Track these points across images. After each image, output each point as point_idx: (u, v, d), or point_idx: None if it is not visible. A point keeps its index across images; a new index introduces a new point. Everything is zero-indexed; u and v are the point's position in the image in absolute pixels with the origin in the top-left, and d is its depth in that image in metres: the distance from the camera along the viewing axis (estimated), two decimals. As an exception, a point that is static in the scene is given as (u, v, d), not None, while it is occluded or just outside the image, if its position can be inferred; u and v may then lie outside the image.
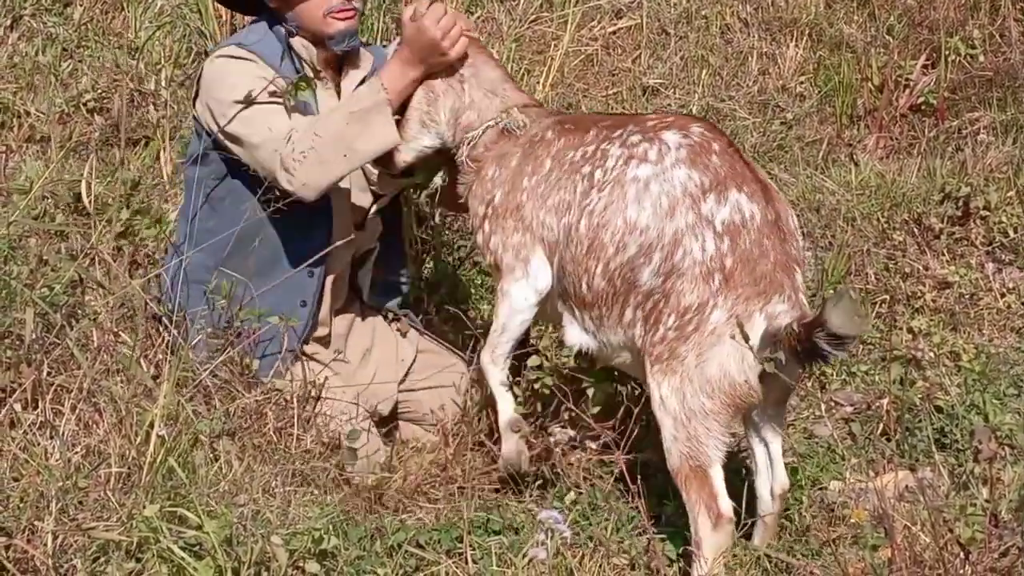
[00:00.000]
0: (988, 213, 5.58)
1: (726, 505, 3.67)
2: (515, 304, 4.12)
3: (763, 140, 6.62)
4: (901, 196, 5.72)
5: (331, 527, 3.52)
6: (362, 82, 4.43)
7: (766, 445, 3.86)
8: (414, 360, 4.66)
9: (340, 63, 4.50)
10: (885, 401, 4.70)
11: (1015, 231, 5.52)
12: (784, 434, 3.98)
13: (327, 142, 4.10)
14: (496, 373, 4.14)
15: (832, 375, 5.13)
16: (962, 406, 4.57)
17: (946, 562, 2.61)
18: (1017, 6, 7.06)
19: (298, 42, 4.39)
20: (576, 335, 4.02)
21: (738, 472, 3.95)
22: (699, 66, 7.06)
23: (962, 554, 2.54)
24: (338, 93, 4.47)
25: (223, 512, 3.21)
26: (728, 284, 3.67)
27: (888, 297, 5.41)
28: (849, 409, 4.87)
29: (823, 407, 4.87)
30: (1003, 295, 5.44)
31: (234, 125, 4.21)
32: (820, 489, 4.24)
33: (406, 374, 4.63)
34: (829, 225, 5.69)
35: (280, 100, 4.21)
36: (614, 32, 7.19)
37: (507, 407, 4.14)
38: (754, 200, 3.76)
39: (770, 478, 3.86)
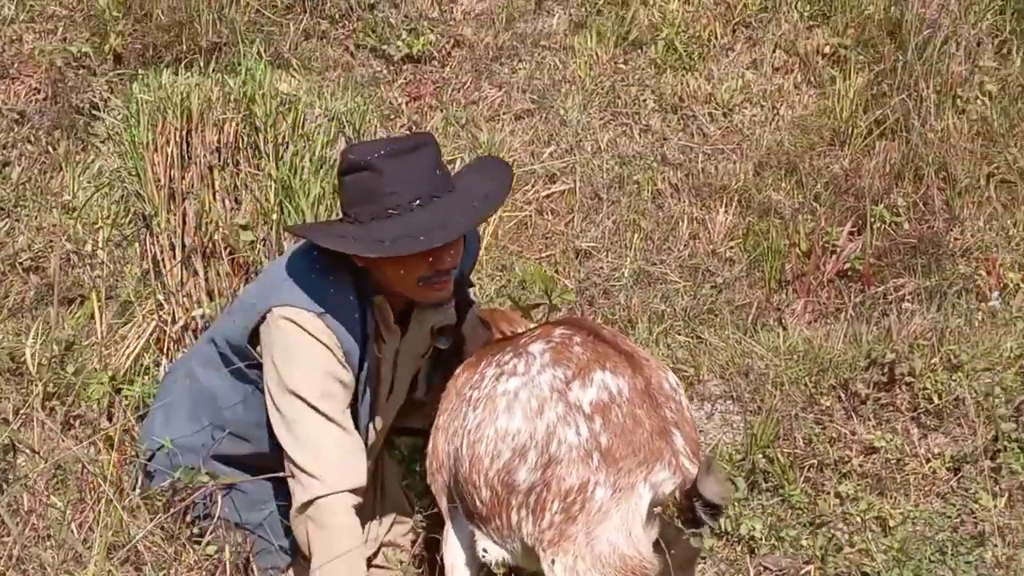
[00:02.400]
0: (913, 379, 5.66)
1: None
2: (453, 551, 4.22)
3: (693, 304, 6.72)
4: (828, 361, 5.80)
5: None
6: (438, 331, 4.40)
7: None
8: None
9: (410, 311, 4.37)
10: (812, 567, 4.73)
11: (939, 397, 5.60)
12: None
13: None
14: None
15: (761, 540, 5.18)
16: (889, 573, 4.62)
17: None
18: (940, 175, 7.23)
19: (379, 300, 4.21)
20: (492, 549, 4.04)
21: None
22: (631, 230, 7.17)
23: None
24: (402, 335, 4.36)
25: None
26: (607, 460, 3.72)
27: (816, 462, 5.47)
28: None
29: (751, 573, 4.91)
30: (928, 460, 5.50)
31: (282, 414, 4.10)
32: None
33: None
34: (758, 389, 5.75)
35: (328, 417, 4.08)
36: (548, 196, 7.30)
37: None
38: (619, 373, 3.85)
39: None
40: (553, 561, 3.73)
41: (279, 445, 4.09)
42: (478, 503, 3.97)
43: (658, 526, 3.65)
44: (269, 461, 4.24)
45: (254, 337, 4.18)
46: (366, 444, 4.26)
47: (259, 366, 4.18)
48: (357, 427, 4.19)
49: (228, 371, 4.28)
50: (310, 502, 3.99)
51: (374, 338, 4.20)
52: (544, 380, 3.89)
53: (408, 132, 4.52)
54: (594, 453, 3.72)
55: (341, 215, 4.14)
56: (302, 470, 4.01)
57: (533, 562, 3.91)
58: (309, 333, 4.05)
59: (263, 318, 4.12)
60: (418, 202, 3.97)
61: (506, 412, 3.90)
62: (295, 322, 4.05)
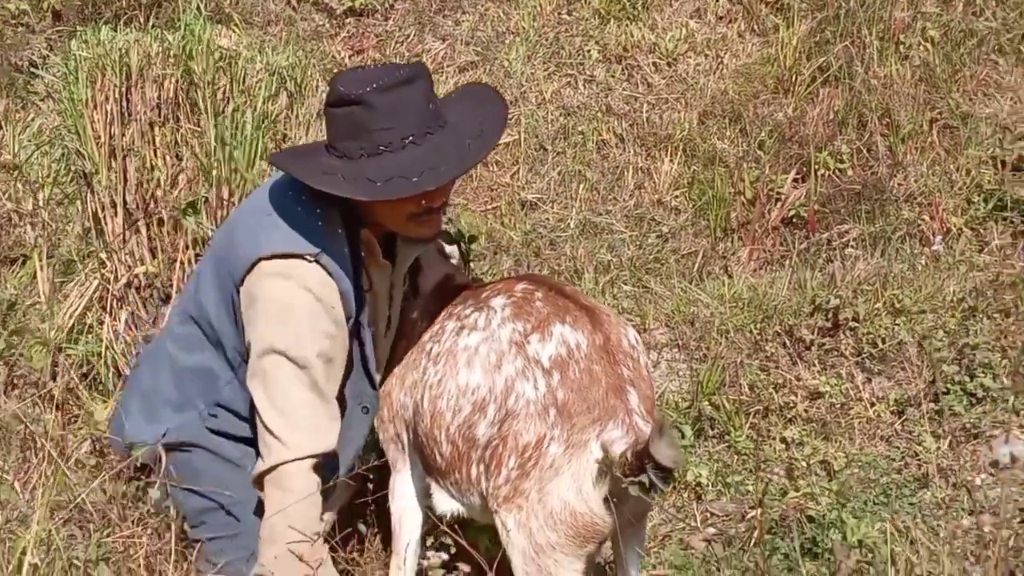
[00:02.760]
0: (857, 324, 5.70)
1: None
2: (400, 502, 4.21)
3: (639, 253, 6.73)
4: (773, 308, 5.83)
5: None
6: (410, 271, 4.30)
7: (624, 565, 3.89)
8: None
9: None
10: (757, 512, 4.77)
11: (883, 342, 5.64)
12: (642, 551, 4.00)
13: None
14: None
15: (707, 486, 5.21)
16: (831, 515, 4.65)
17: None
18: (883, 122, 7.25)
19: (365, 235, 4.05)
20: (445, 502, 4.07)
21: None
22: (576, 181, 7.17)
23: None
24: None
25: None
26: (563, 415, 3.73)
27: (761, 408, 5.51)
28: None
29: (698, 519, 4.95)
30: (872, 404, 5.55)
31: (264, 372, 3.89)
32: (695, 602, 4.29)
33: None
34: (703, 337, 5.78)
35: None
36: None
37: None
38: (578, 327, 3.85)
39: None
40: (506, 518, 3.76)
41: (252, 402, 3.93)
42: (438, 458, 3.97)
43: (609, 483, 3.66)
44: None
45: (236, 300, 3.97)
46: (380, 383, 4.20)
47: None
48: (367, 370, 4.07)
49: (215, 349, 4.10)
50: (274, 467, 3.84)
51: (365, 273, 4.05)
52: (504, 334, 3.88)
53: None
54: (551, 408, 3.73)
55: (327, 145, 3.94)
56: (272, 434, 3.84)
57: (488, 516, 3.93)
58: (305, 288, 3.85)
59: (250, 270, 3.88)
60: (411, 139, 3.83)
61: (466, 367, 3.90)
62: (289, 275, 3.85)
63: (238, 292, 3.94)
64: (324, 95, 4.15)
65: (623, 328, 3.99)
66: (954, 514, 4.58)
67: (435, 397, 3.98)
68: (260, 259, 3.87)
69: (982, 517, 2.55)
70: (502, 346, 3.87)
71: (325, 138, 3.98)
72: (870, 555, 3.82)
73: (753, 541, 4.66)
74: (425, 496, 4.21)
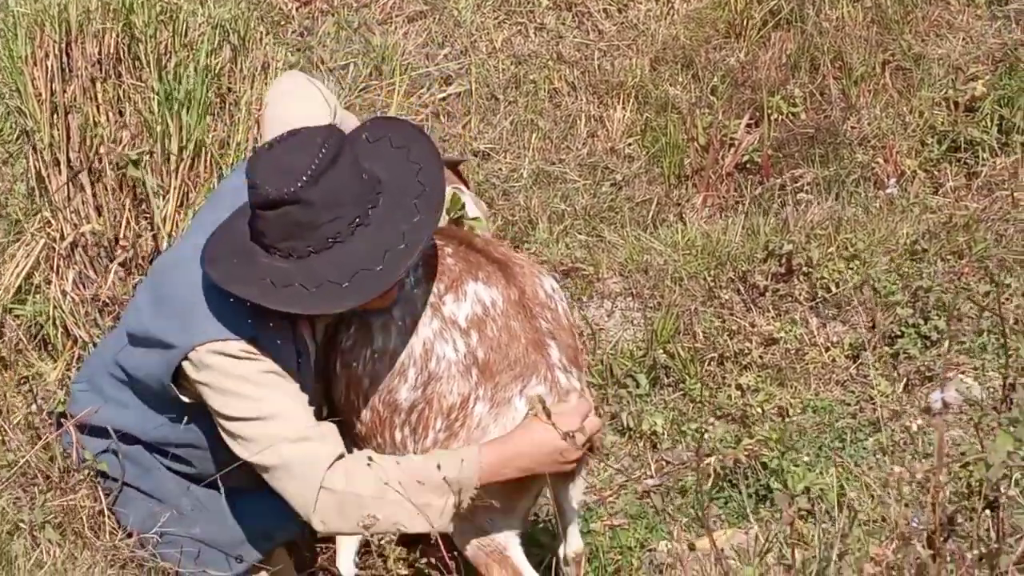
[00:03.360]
0: (811, 269, 5.69)
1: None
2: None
3: (593, 202, 6.70)
4: (727, 255, 5.81)
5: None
6: None
7: (561, 513, 3.79)
8: None
9: None
10: (712, 459, 4.77)
11: (837, 286, 5.63)
12: (578, 501, 3.89)
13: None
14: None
15: (663, 434, 5.20)
16: (789, 464, 4.65)
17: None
18: (836, 65, 7.23)
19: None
20: None
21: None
22: (529, 130, 7.13)
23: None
24: None
25: (37, 605, 3.16)
26: (484, 375, 3.68)
27: (716, 355, 5.49)
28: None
29: (653, 468, 4.94)
30: (827, 349, 5.54)
31: (247, 440, 3.68)
32: (649, 551, 4.28)
33: None
34: (657, 285, 5.76)
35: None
36: (444, 98, 7.24)
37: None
38: (491, 284, 3.78)
39: (565, 545, 3.81)
40: None
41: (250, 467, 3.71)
42: (358, 425, 3.91)
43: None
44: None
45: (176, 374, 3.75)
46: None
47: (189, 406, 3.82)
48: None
49: (142, 401, 3.92)
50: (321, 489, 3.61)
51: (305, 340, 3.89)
52: (418, 297, 3.80)
53: (290, 131, 3.90)
54: (472, 369, 3.68)
55: (264, 244, 3.63)
56: (297, 468, 3.62)
57: None
58: (243, 357, 3.66)
59: (185, 356, 3.68)
60: (356, 221, 3.57)
61: (381, 332, 3.81)
62: (225, 353, 3.65)
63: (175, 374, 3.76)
64: (253, 140, 3.83)
65: (538, 278, 3.90)
66: (898, 459, 4.58)
67: (350, 363, 3.89)
68: (194, 346, 3.67)
69: (915, 464, 2.54)
70: (417, 309, 3.78)
71: (243, 217, 3.70)
72: (818, 502, 3.83)
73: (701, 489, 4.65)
74: None
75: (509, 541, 3.73)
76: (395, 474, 3.53)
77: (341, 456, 3.63)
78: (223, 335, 3.64)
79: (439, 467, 3.49)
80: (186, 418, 3.86)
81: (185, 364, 3.68)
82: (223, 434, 3.71)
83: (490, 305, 3.74)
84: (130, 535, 3.88)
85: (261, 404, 3.64)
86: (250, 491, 3.90)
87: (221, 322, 3.66)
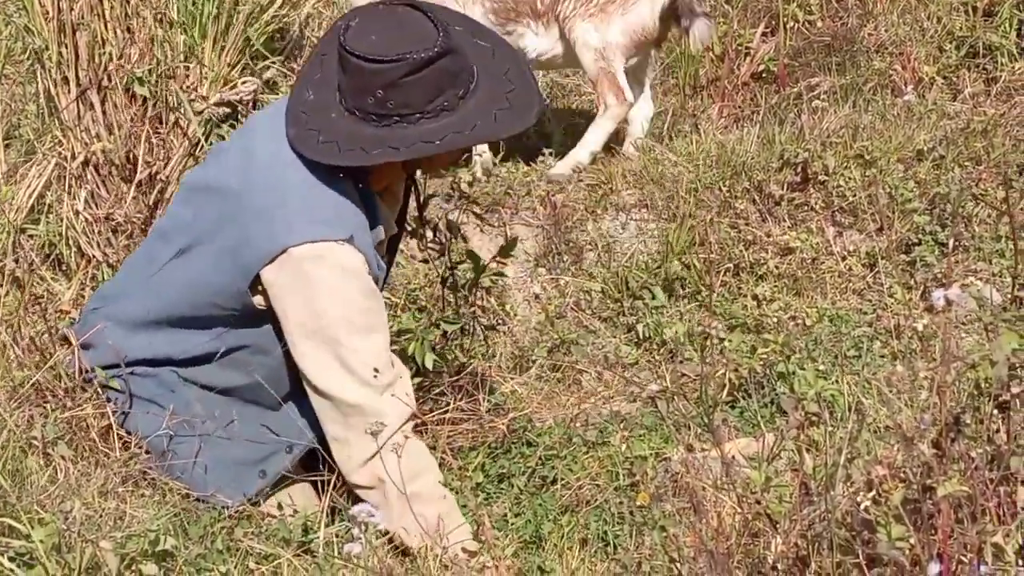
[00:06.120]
0: (827, 178, 5.64)
1: (628, 92, 5.98)
2: None
3: (608, 114, 6.64)
4: (741, 165, 5.76)
5: (169, 527, 3.49)
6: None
7: (641, 87, 6.20)
8: None
9: None
10: (727, 369, 4.74)
11: (853, 194, 5.58)
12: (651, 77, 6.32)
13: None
14: None
15: (682, 345, 5.17)
16: (801, 371, 4.62)
17: (754, 533, 2.65)
18: (853, -29, 7.16)
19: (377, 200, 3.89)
20: (533, 42, 6.00)
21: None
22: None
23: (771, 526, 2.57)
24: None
25: (51, 519, 3.16)
26: None
27: (732, 266, 5.46)
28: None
29: (668, 378, 4.92)
30: (844, 258, 5.50)
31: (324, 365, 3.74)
32: (664, 460, 4.27)
33: None
34: (672, 196, 5.71)
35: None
36: None
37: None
38: None
39: (640, 111, 6.20)
40: (586, 28, 5.89)
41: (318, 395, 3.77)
42: (539, 4, 5.96)
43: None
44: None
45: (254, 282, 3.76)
46: None
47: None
48: None
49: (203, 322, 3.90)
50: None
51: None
52: None
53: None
54: None
55: (403, 115, 3.67)
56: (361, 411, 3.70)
57: (554, 54, 6.08)
58: (343, 267, 3.69)
59: (273, 260, 3.68)
60: (475, 68, 3.79)
61: None
62: (324, 258, 3.68)
63: (254, 283, 3.76)
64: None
65: None
66: (926, 363, 4.54)
67: None
68: (287, 248, 3.67)
69: (917, 363, 2.52)
70: None
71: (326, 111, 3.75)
72: (829, 408, 3.81)
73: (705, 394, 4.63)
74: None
75: (619, 68, 5.99)
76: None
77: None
78: (318, 234, 3.67)
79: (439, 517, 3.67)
80: (233, 330, 3.87)
81: (270, 266, 3.68)
82: (300, 354, 3.74)
83: None
84: (147, 453, 3.88)
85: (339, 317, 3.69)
86: (273, 407, 3.95)
87: (314, 218, 3.69)
